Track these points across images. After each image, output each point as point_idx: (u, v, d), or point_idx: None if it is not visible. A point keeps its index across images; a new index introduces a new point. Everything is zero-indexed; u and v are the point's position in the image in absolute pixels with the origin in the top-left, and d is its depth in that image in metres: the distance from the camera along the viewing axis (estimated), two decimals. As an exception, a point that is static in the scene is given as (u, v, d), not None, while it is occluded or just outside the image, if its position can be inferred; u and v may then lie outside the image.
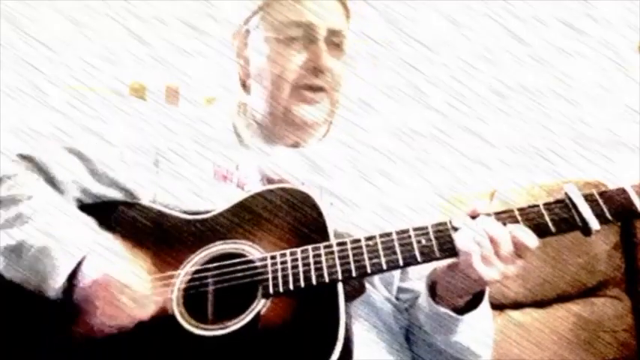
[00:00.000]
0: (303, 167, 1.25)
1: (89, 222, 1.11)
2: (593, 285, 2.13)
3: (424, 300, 1.13)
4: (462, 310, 1.10)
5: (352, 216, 1.20)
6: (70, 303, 1.04)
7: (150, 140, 1.23)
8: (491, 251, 1.01)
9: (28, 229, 1.07)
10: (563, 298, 2.15)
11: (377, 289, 1.20)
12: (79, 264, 1.04)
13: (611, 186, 2.14)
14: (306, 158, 1.26)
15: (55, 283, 1.03)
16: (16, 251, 1.06)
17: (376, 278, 1.19)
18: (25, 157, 1.19)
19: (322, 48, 1.20)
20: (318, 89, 1.22)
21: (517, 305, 2.15)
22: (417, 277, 1.22)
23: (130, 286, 1.01)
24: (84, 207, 1.18)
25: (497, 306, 2.08)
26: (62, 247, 1.05)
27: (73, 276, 1.04)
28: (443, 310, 1.09)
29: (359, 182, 1.27)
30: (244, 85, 1.31)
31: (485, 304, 1.12)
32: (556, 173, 2.44)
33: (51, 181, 1.18)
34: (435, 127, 2.67)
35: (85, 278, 1.03)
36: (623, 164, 2.32)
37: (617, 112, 2.47)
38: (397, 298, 1.24)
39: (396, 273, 1.23)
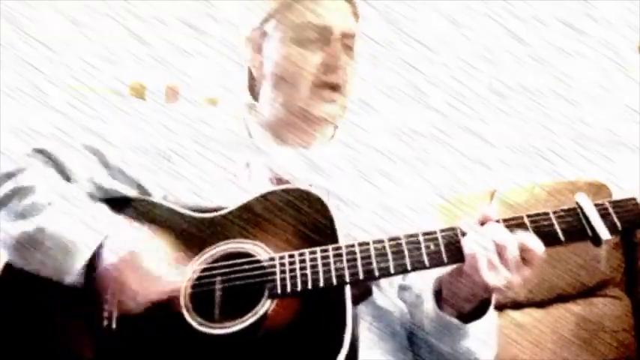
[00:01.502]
0: (305, 168, 1.25)
1: (103, 208, 1.13)
2: (593, 285, 2.13)
3: (429, 305, 1.12)
4: (467, 316, 1.10)
5: (352, 216, 1.20)
6: (91, 286, 1.05)
7: (154, 141, 1.24)
8: (496, 256, 1.01)
9: (44, 215, 1.09)
10: (563, 298, 2.15)
11: (382, 292, 1.20)
12: (100, 246, 1.05)
13: (612, 186, 2.14)
14: (308, 159, 1.27)
15: (76, 267, 1.04)
16: (34, 237, 1.07)
17: (383, 280, 1.19)
18: (39, 151, 1.20)
19: (338, 48, 1.24)
20: (336, 87, 1.24)
21: (517, 305, 2.15)
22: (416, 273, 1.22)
23: (155, 259, 1.04)
24: None
25: (498, 306, 2.06)
26: (81, 229, 1.06)
27: (93, 259, 1.05)
28: (448, 318, 1.09)
29: (359, 182, 1.27)
30: (252, 89, 1.34)
31: (491, 312, 1.11)
32: (556, 173, 2.44)
33: (64, 175, 1.19)
34: (435, 127, 2.66)
35: (110, 258, 1.04)
36: (623, 164, 2.32)
37: (617, 112, 2.47)
38: (398, 296, 1.24)
39: None
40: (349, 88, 1.27)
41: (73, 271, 1.05)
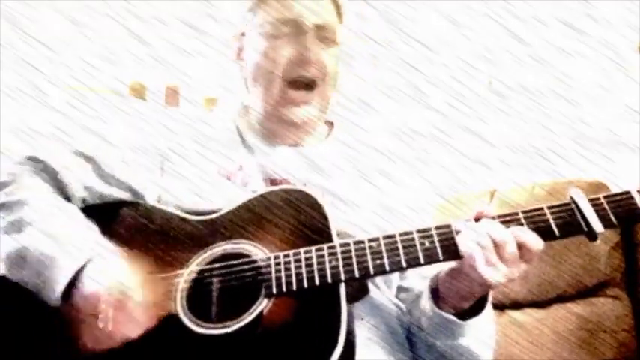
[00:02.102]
0: (303, 167, 1.26)
1: (91, 226, 1.11)
2: (593, 285, 2.13)
3: (426, 303, 1.12)
4: (465, 314, 1.10)
5: (352, 216, 1.20)
6: (70, 310, 1.04)
7: (153, 141, 1.24)
8: (494, 254, 1.01)
9: (30, 233, 1.07)
10: (563, 298, 2.14)
11: (381, 291, 1.20)
12: (78, 272, 1.03)
13: (612, 186, 2.14)
14: (306, 158, 1.27)
15: (55, 290, 1.03)
16: (19, 256, 1.07)
17: (380, 279, 1.19)
18: (32, 159, 1.19)
19: (309, 42, 1.23)
20: (308, 86, 1.24)
21: (517, 305, 2.15)
22: (417, 276, 1.22)
23: (127, 300, 1.01)
24: (90, 208, 1.18)
25: (498, 306, 2.07)
26: (63, 253, 1.05)
27: (72, 284, 1.03)
28: (446, 315, 1.09)
29: (359, 182, 1.27)
30: (247, 88, 1.34)
31: (488, 308, 1.11)
32: (556, 173, 2.44)
33: (58, 182, 1.18)
34: (435, 127, 2.67)
35: (83, 289, 1.02)
36: (623, 164, 2.32)
37: (617, 112, 2.47)
38: (397, 297, 1.24)
39: (396, 273, 1.23)
40: (328, 87, 1.27)
41: (53, 294, 1.03)
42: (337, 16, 1.29)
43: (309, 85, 1.25)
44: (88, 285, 1.02)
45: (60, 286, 1.03)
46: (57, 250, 1.05)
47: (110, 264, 1.04)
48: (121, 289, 1.01)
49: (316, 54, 1.23)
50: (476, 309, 1.10)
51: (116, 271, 1.03)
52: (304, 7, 1.24)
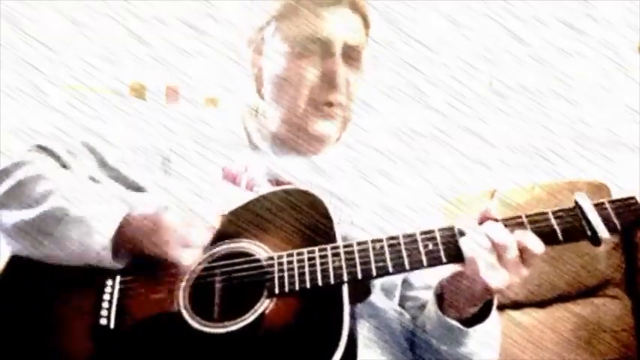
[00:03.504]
0: (305, 169, 1.25)
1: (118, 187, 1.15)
2: (593, 285, 2.14)
3: (431, 309, 1.12)
4: (470, 320, 1.09)
5: (352, 216, 1.20)
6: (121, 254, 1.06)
7: (153, 141, 1.24)
8: (495, 257, 1.00)
9: (62, 196, 1.08)
10: (563, 298, 2.15)
11: (382, 293, 1.20)
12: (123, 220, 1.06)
13: (612, 186, 2.14)
14: (310, 161, 1.27)
15: (105, 237, 1.04)
16: (54, 216, 1.06)
17: (379, 289, 1.19)
18: (42, 148, 1.20)
19: (338, 63, 1.19)
20: (335, 104, 1.22)
21: (517, 305, 2.15)
22: (423, 286, 1.23)
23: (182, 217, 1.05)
24: None
25: (498, 306, 2.07)
26: (104, 203, 1.07)
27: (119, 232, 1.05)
28: (450, 321, 1.08)
29: (359, 182, 1.27)
30: (259, 92, 1.31)
31: (493, 315, 1.11)
32: (556, 173, 2.44)
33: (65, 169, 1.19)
34: (435, 127, 2.67)
35: (137, 217, 1.05)
36: (623, 164, 2.33)
37: (617, 112, 2.47)
38: (402, 306, 1.24)
39: (398, 283, 1.24)
40: (350, 103, 1.24)
41: (101, 242, 1.04)
42: (365, 32, 1.25)
43: (336, 104, 1.22)
44: (134, 220, 1.05)
45: (108, 236, 1.04)
46: (97, 204, 1.07)
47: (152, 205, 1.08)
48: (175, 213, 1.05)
49: (344, 76, 1.20)
50: (481, 316, 1.10)
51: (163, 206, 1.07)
52: (334, 25, 1.18)
